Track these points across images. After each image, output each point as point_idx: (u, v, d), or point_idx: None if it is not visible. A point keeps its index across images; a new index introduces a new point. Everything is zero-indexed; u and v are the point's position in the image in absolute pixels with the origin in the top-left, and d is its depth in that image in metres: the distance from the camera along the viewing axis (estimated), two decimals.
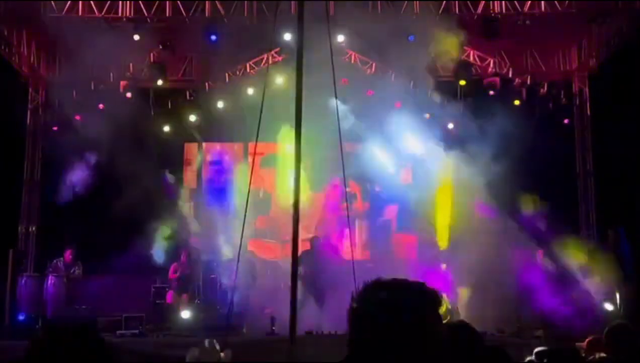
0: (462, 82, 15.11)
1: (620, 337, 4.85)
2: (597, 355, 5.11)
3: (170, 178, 14.38)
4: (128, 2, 13.71)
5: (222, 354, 5.40)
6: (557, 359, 3.48)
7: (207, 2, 13.68)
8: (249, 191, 7.78)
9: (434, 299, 1.99)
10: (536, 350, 5.96)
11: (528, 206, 13.62)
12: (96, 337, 2.20)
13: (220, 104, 15.20)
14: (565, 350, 4.78)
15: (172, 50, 14.69)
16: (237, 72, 15.27)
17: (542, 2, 13.54)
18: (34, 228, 15.70)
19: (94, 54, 14.40)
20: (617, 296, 12.12)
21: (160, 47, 14.58)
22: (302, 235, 8.27)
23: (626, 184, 13.72)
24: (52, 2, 13.48)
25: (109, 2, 13.65)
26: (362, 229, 15.55)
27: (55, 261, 12.96)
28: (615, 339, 4.87)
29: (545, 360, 3.62)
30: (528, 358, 5.47)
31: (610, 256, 12.73)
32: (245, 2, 13.45)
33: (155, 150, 14.58)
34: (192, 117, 15.37)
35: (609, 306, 12.11)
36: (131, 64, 15.37)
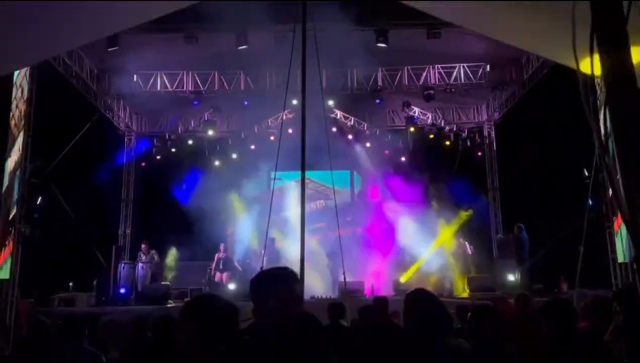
0: (411, 130, 15.22)
1: (522, 300, 4.92)
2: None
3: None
4: (190, 79, 13.80)
5: None
6: (477, 311, 3.52)
7: (242, 78, 13.77)
8: (271, 205, 7.83)
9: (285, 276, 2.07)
10: (457, 305, 5.97)
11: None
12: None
13: (252, 147, 15.28)
14: (482, 305, 4.81)
15: (219, 111, 14.78)
16: (263, 125, 15.33)
17: (462, 75, 13.65)
18: (128, 230, 15.69)
19: (167, 114, 14.54)
20: (517, 271, 12.08)
21: (212, 109, 14.68)
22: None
23: (522, 194, 13.79)
24: (140, 81, 13.58)
25: (177, 80, 13.75)
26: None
27: (139, 253, 12.98)
28: (518, 301, 4.95)
29: (469, 314, 3.63)
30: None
31: (512, 244, 12.74)
32: (267, 77, 13.55)
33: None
34: (234, 156, 15.42)
35: (511, 278, 12.07)
36: (192, 121, 15.49)
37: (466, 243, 13.10)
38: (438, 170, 13.92)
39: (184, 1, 3.96)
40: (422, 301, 2.66)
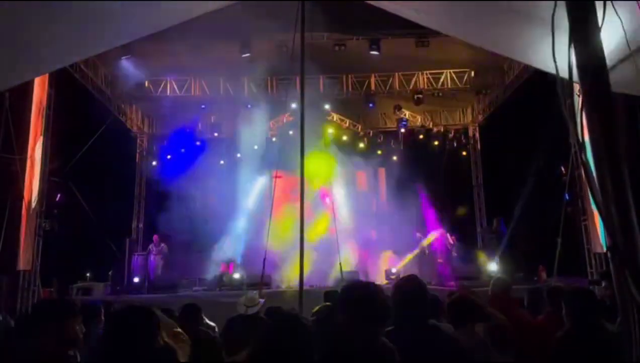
0: (402, 131, 15.22)
1: (499, 285, 4.91)
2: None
3: None
4: (197, 85, 13.75)
5: (260, 300, 5.32)
6: (455, 299, 3.53)
7: (245, 84, 13.72)
8: (272, 202, 7.80)
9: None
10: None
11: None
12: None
13: (255, 147, 15.19)
14: (462, 295, 4.79)
15: (224, 114, 14.71)
16: (265, 127, 15.23)
17: (449, 81, 13.65)
18: (141, 225, 15.67)
19: (176, 117, 14.47)
20: (498, 261, 12.03)
21: (218, 112, 14.61)
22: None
23: (504, 189, 13.80)
24: (151, 86, 13.52)
25: (185, 85, 13.69)
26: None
27: (150, 244, 12.92)
28: (495, 286, 4.95)
29: (447, 302, 3.65)
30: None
31: (493, 236, 12.72)
32: (269, 83, 13.52)
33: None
34: (238, 155, 15.37)
35: (492, 267, 12.01)
36: (199, 123, 15.42)
37: (447, 234, 13.10)
38: (428, 168, 13.91)
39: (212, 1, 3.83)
40: (411, 287, 2.65)
